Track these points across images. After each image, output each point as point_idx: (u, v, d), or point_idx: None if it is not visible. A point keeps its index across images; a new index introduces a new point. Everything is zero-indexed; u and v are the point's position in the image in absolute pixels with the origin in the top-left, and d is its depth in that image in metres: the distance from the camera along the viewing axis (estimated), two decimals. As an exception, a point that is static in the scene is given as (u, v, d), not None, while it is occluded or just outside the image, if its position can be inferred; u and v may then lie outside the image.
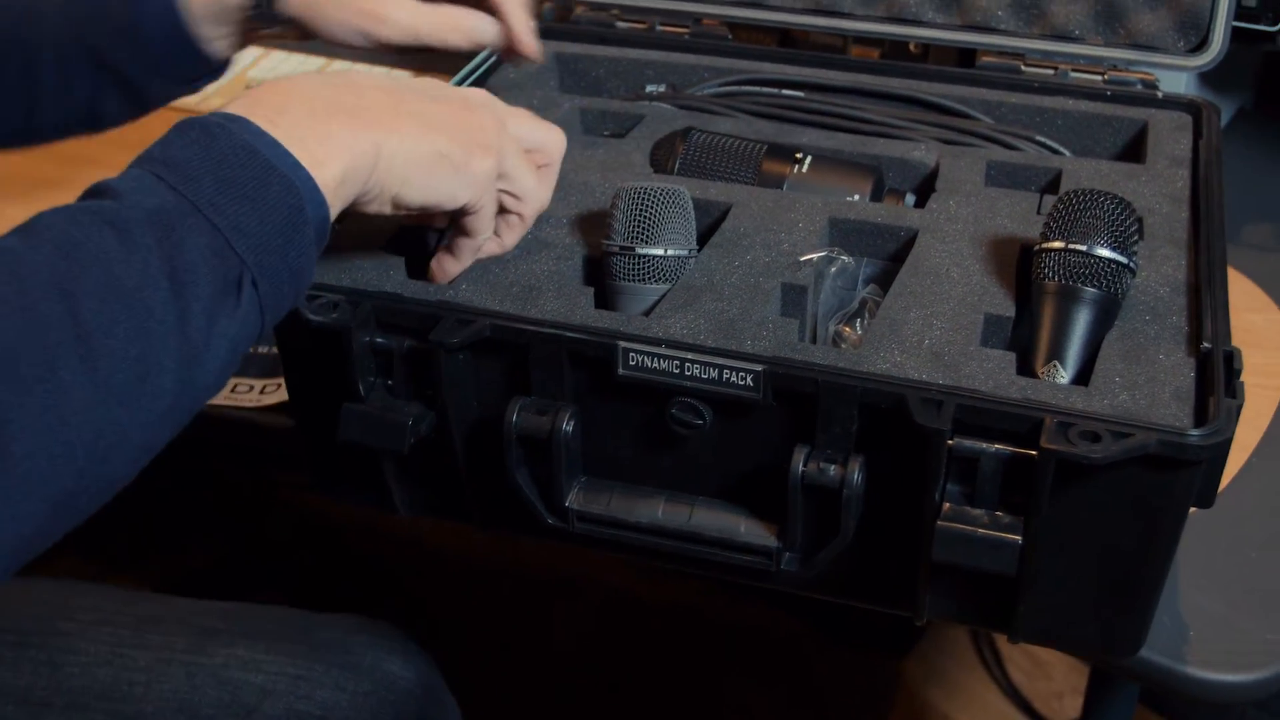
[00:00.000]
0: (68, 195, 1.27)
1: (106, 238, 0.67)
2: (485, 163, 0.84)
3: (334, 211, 0.76)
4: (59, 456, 0.63)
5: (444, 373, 0.87)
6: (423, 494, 0.97)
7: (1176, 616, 0.91)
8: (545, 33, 1.27)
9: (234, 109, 0.75)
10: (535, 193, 0.91)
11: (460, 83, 1.16)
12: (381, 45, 1.04)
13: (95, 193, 0.71)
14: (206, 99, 1.57)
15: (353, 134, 0.77)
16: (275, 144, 0.73)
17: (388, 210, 0.82)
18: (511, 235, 0.93)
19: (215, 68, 1.10)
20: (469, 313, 0.87)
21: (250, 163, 0.72)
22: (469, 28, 1.05)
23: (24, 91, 1.07)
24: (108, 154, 1.47)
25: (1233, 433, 0.76)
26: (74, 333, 0.64)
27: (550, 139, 0.93)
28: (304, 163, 0.74)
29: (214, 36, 1.07)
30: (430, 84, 0.87)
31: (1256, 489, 1.01)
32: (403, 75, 0.87)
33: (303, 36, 1.07)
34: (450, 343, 0.85)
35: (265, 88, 0.78)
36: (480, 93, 0.89)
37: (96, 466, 0.66)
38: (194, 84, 1.12)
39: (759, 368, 0.80)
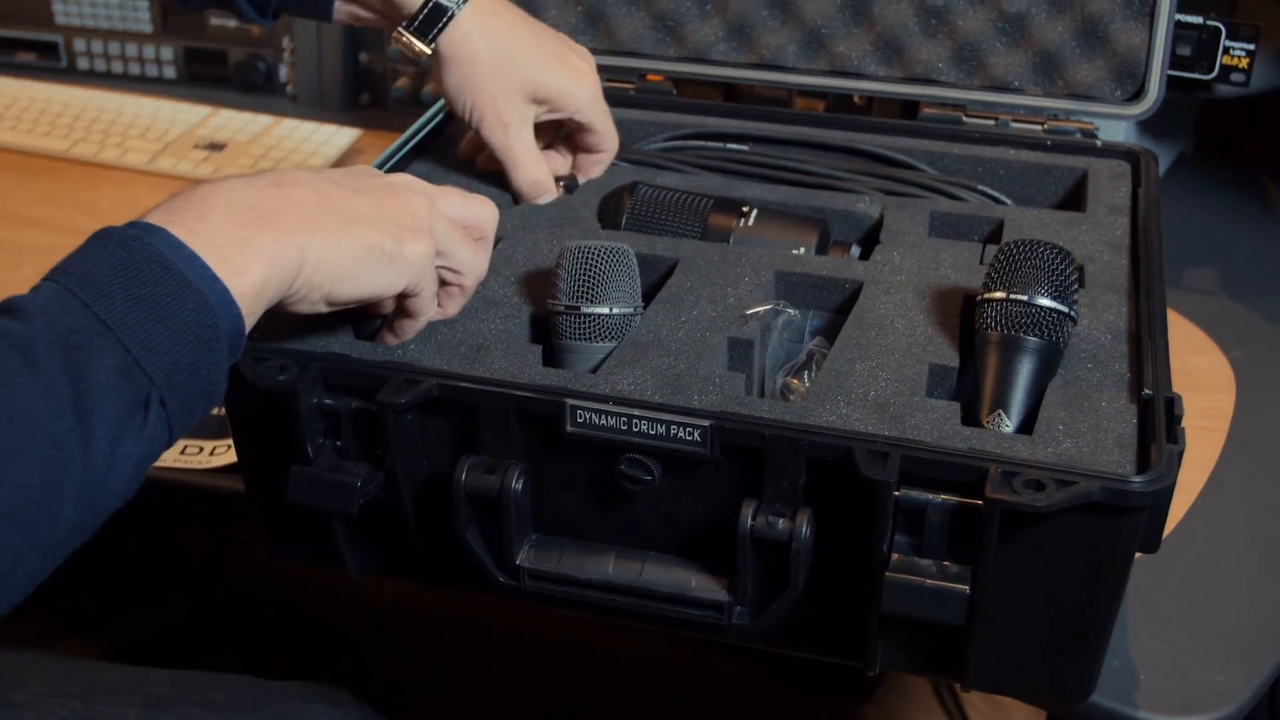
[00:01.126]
0: (11, 256, 1.26)
1: (13, 363, 0.66)
2: (418, 247, 0.84)
3: (252, 320, 0.76)
4: None
5: (392, 433, 0.87)
6: (374, 554, 0.97)
7: (1127, 660, 0.91)
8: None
9: (155, 217, 0.74)
10: (473, 264, 0.91)
11: (408, 140, 1.16)
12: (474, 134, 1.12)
13: (4, 310, 0.70)
14: (155, 159, 1.57)
15: (275, 240, 0.76)
16: (192, 257, 0.72)
17: (322, 309, 0.82)
18: (453, 305, 0.94)
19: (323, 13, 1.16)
20: (416, 373, 0.87)
21: (164, 278, 0.71)
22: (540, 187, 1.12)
23: None
24: (50, 215, 1.47)
25: (1175, 478, 0.76)
26: None
27: (482, 212, 0.93)
28: (221, 274, 0.73)
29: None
30: (356, 173, 0.87)
31: (1203, 531, 1.02)
32: (327, 169, 0.88)
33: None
34: (398, 403, 0.85)
35: (188, 194, 0.77)
36: (405, 177, 0.90)
37: None
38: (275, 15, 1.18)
39: (706, 423, 0.81)
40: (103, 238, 0.73)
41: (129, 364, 0.69)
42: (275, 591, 2.13)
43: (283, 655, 2.03)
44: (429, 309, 0.90)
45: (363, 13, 1.15)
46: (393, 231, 0.83)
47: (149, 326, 0.70)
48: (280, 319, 0.92)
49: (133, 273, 0.71)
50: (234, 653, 2.02)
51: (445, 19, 1.08)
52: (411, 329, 0.91)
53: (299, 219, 0.78)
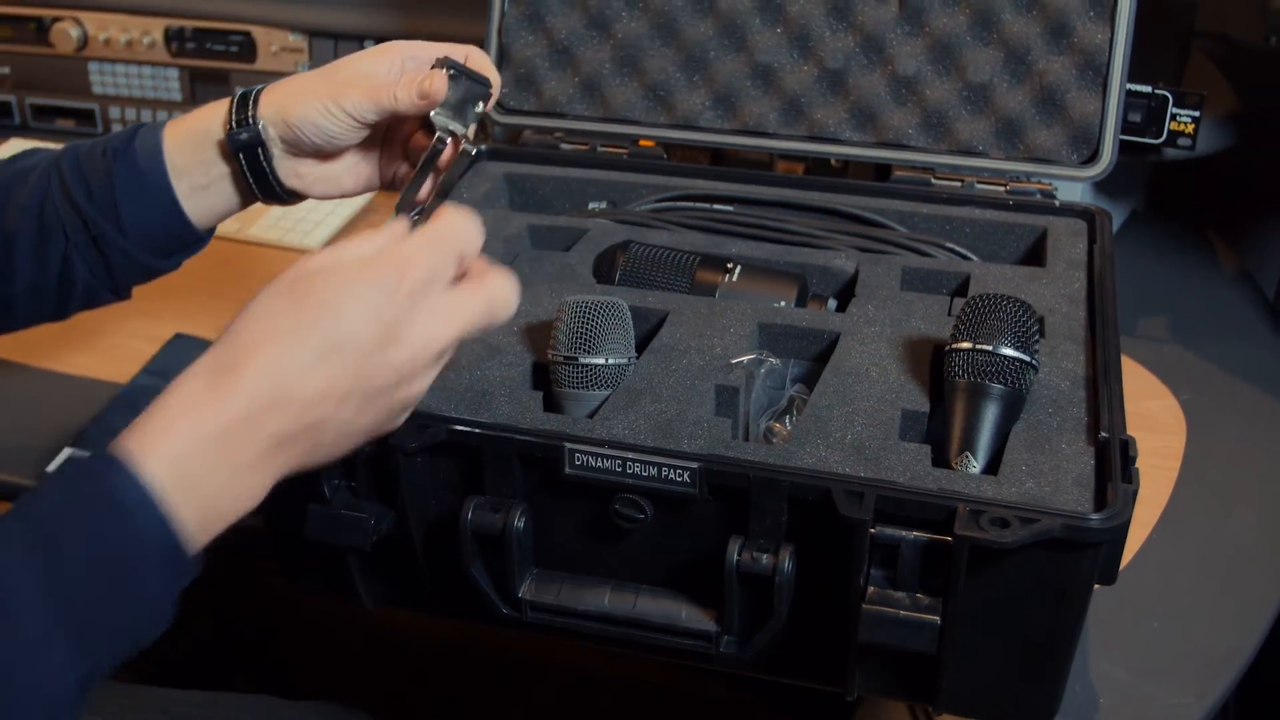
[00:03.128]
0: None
1: None
2: (404, 418, 0.82)
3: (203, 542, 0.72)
4: None
5: (403, 475, 0.87)
6: (386, 587, 0.96)
7: (1087, 685, 0.91)
8: (496, 154, 1.28)
9: (137, 444, 0.70)
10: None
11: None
12: (353, 123, 0.99)
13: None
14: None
15: (262, 478, 0.74)
16: (145, 499, 0.68)
17: None
18: None
19: (192, 239, 1.05)
20: (425, 418, 0.87)
21: (110, 523, 0.68)
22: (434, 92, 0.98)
23: (3, 250, 1.01)
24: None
25: (1130, 515, 0.76)
26: None
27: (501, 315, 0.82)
28: (184, 523, 0.70)
29: (194, 192, 1.02)
30: (383, 359, 0.75)
31: (1157, 563, 1.02)
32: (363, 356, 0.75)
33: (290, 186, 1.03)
34: (408, 447, 0.85)
35: (228, 443, 0.72)
36: (418, 327, 0.76)
37: None
38: (170, 257, 1.05)
39: (695, 465, 0.81)
40: (62, 475, 0.70)
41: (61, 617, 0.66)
42: (292, 614, 2.12)
43: (300, 675, 2.02)
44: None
45: (197, 171, 1.02)
46: (381, 428, 0.79)
47: (82, 588, 0.67)
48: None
49: (80, 515, 0.68)
50: (256, 671, 2.01)
51: (254, 91, 1.01)
52: None
53: (307, 458, 0.76)
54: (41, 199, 1.01)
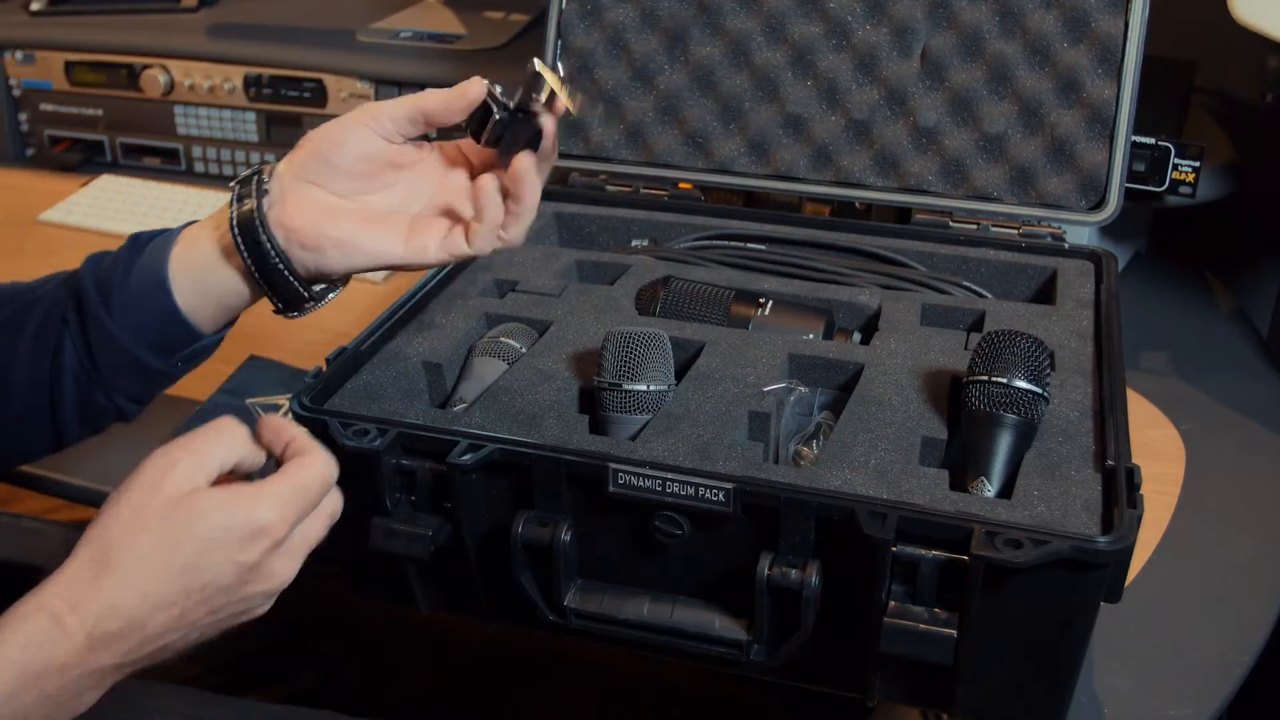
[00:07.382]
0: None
1: None
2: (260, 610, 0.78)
3: None
4: None
5: (459, 490, 0.87)
6: (441, 593, 0.97)
7: (1092, 695, 0.90)
8: (546, 195, 1.29)
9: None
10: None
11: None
12: (383, 124, 0.86)
13: None
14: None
15: (94, 696, 0.71)
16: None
17: None
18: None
19: (184, 333, 0.89)
20: (480, 439, 0.87)
21: None
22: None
23: (14, 331, 0.90)
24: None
25: (1135, 539, 0.76)
26: None
27: (317, 527, 0.78)
28: None
29: (185, 269, 0.88)
30: (232, 571, 0.73)
31: (1159, 583, 1.01)
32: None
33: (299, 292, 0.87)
34: (464, 464, 0.85)
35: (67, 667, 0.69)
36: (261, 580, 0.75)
37: None
38: (168, 356, 0.90)
39: (729, 485, 0.81)
40: None
41: None
42: (347, 618, 2.12)
43: (354, 674, 2.02)
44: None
45: (194, 248, 0.88)
46: (235, 621, 0.77)
47: None
48: (362, 389, 0.93)
49: None
50: (313, 668, 2.01)
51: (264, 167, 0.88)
52: None
53: (138, 668, 0.73)
54: (62, 281, 0.91)
